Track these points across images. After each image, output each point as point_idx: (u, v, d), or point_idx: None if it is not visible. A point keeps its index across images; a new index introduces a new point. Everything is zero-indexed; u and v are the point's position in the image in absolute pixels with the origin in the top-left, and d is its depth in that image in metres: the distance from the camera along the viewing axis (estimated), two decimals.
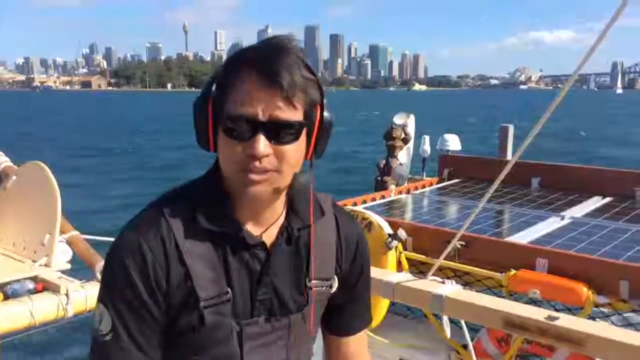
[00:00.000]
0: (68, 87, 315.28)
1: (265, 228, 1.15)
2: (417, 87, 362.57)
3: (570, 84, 1.76)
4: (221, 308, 1.10)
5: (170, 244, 1.08)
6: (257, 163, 1.04)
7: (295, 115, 1.05)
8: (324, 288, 1.23)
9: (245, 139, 1.04)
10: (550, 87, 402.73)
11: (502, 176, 1.92)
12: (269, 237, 1.15)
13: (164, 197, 1.15)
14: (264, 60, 1.03)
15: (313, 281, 1.20)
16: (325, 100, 1.12)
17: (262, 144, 1.03)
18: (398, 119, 5.92)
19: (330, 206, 1.27)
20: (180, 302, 1.09)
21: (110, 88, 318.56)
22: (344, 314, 1.33)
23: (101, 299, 1.10)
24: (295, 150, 1.08)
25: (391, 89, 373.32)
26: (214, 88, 1.09)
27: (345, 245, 1.27)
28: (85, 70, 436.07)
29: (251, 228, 1.14)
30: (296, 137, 1.07)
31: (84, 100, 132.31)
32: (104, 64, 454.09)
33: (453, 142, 5.98)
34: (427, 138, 6.15)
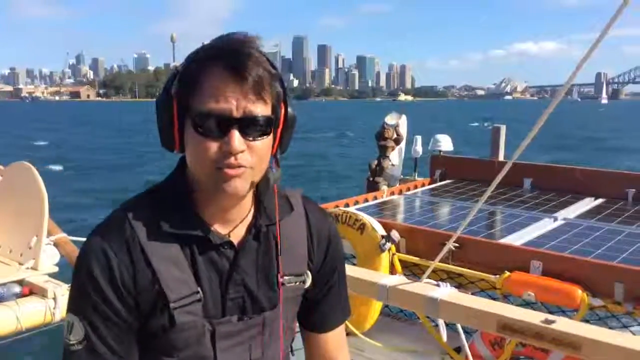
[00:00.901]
0: (57, 98, 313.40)
1: (233, 227, 1.14)
2: (403, 97, 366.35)
3: (564, 90, 1.75)
4: (191, 308, 1.09)
5: (135, 247, 1.07)
6: (232, 159, 1.03)
7: (266, 110, 1.05)
8: (297, 284, 1.21)
9: (218, 135, 1.02)
10: (535, 98, 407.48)
11: (498, 178, 1.90)
12: (237, 236, 1.14)
13: (128, 201, 1.14)
14: (230, 55, 1.02)
15: (285, 277, 1.18)
16: (287, 96, 1.12)
17: (238, 140, 1.02)
18: (390, 119, 5.90)
19: (300, 201, 1.26)
20: (149, 305, 1.08)
21: (99, 98, 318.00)
22: (320, 309, 1.31)
23: (70, 308, 1.10)
24: (266, 146, 1.08)
25: (377, 99, 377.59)
26: (176, 84, 1.06)
27: (316, 239, 1.25)
28: (71, 80, 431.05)
29: (219, 227, 1.13)
30: (267, 132, 1.07)
31: (86, 109, 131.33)
32: (91, 74, 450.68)
33: (445, 143, 5.96)
34: (419, 138, 6.13)
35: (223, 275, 1.12)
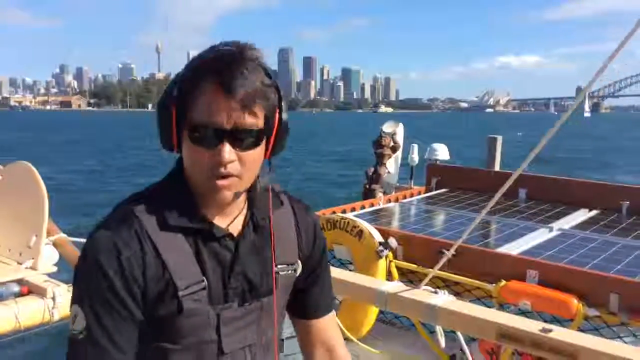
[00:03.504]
0: (48, 107, 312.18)
1: (231, 220, 1.21)
2: (384, 109, 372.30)
3: (578, 103, 1.78)
4: (198, 296, 1.14)
5: (145, 238, 1.12)
6: (222, 169, 1.09)
7: (256, 122, 1.11)
8: (289, 272, 1.30)
9: (211, 146, 1.09)
10: (518, 111, 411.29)
11: (503, 189, 1.93)
12: (235, 228, 1.21)
13: (131, 198, 1.19)
14: (222, 71, 1.07)
15: (279, 266, 1.27)
16: (283, 103, 1.17)
17: (227, 151, 1.09)
18: (387, 127, 5.93)
19: (286, 198, 1.35)
20: (157, 294, 1.12)
21: (90, 108, 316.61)
22: (310, 296, 1.40)
23: (75, 299, 1.12)
24: (256, 155, 1.15)
25: (359, 111, 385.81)
26: (176, 92, 1.12)
27: (304, 231, 1.35)
28: (55, 90, 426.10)
29: (218, 221, 1.19)
30: (257, 143, 1.13)
31: (91, 119, 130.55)
32: (75, 84, 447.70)
33: (441, 152, 6.00)
34: (415, 147, 6.17)
35: (225, 265, 1.19)
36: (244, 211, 1.24)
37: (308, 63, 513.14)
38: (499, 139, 5.84)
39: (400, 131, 5.95)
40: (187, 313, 1.13)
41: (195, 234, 1.16)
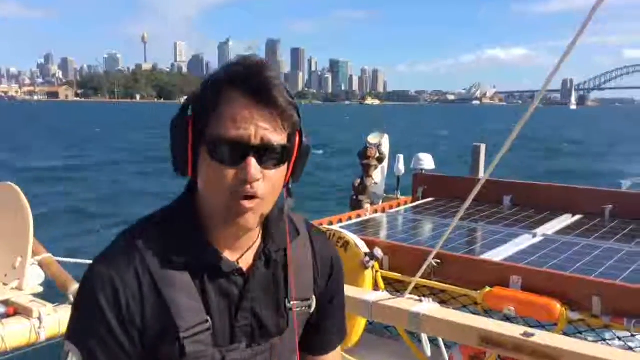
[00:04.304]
0: (36, 98, 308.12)
1: (242, 253, 1.13)
2: (370, 101, 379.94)
3: (539, 97, 1.82)
4: (201, 337, 1.07)
5: (145, 275, 1.04)
6: (248, 187, 1.00)
7: (282, 138, 1.03)
8: (304, 308, 1.21)
9: (235, 162, 1.00)
10: (504, 103, 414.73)
11: (473, 194, 1.96)
12: (246, 262, 1.13)
13: (135, 227, 1.11)
14: (251, 80, 1.00)
15: (293, 302, 1.17)
16: (302, 125, 1.09)
17: (255, 167, 1.00)
18: (372, 139, 5.98)
19: (304, 226, 1.25)
20: (158, 334, 1.05)
21: (78, 99, 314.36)
22: (320, 332, 1.31)
23: (69, 336, 1.06)
24: (280, 175, 1.06)
25: (346, 102, 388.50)
26: (192, 108, 1.04)
27: (321, 264, 1.25)
28: (40, 80, 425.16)
29: (228, 254, 1.11)
30: (282, 161, 1.05)
31: (92, 109, 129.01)
32: (60, 74, 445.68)
33: (427, 161, 6.05)
34: (401, 157, 6.22)
35: (232, 303, 1.11)
36: (257, 243, 1.15)
37: (296, 54, 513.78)
38: (483, 146, 5.91)
39: (385, 142, 6.00)
40: (190, 356, 1.05)
41: (202, 269, 1.08)
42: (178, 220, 1.10)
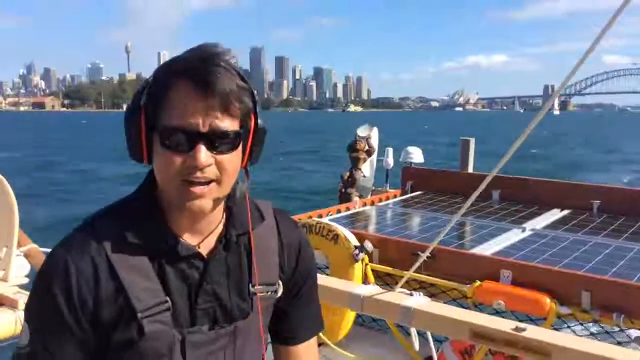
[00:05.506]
0: (22, 109, 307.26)
1: (203, 237, 1.15)
2: (352, 108, 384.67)
3: (551, 102, 1.81)
4: (161, 317, 1.08)
5: (101, 259, 1.07)
6: (199, 173, 1.04)
7: (233, 124, 1.06)
8: (269, 293, 1.22)
9: (185, 150, 1.03)
10: (487, 109, 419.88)
11: (478, 191, 1.96)
12: (207, 246, 1.15)
13: (96, 214, 1.14)
14: (198, 69, 1.03)
15: (257, 286, 1.19)
16: (258, 108, 1.12)
17: (204, 154, 1.03)
18: (361, 132, 5.97)
19: (270, 212, 1.27)
20: (114, 317, 1.07)
21: (64, 109, 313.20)
22: (290, 320, 1.31)
23: (25, 315, 1.12)
24: (234, 159, 1.09)
25: (330, 110, 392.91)
26: (144, 98, 1.07)
27: (287, 249, 1.27)
28: (23, 91, 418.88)
29: (188, 238, 1.13)
30: (235, 146, 1.08)
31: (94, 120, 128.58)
32: (42, 84, 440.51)
33: (416, 155, 6.05)
34: (390, 150, 6.22)
35: (192, 286, 1.12)
36: (220, 228, 1.17)
37: (280, 63, 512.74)
38: (472, 140, 5.91)
39: (374, 135, 6.00)
40: (150, 335, 1.07)
41: (160, 253, 1.10)
42: (138, 206, 1.13)
